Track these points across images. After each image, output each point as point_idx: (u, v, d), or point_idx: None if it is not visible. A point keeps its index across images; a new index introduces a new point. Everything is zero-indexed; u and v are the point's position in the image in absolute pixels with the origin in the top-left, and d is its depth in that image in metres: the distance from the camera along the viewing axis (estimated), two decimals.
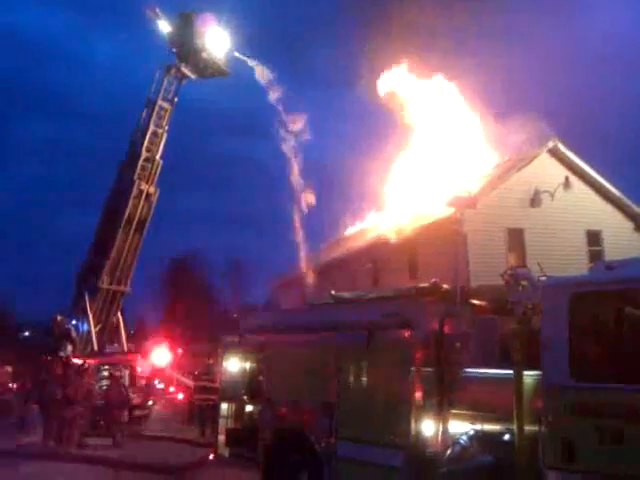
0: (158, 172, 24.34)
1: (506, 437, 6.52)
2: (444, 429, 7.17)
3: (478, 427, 6.86)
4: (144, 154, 23.58)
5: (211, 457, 11.12)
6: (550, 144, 21.78)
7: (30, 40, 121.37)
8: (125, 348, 24.21)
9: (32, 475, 13.20)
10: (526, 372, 6.37)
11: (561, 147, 21.83)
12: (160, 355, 24.03)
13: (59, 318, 22.47)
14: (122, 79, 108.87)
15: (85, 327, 22.70)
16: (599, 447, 5.62)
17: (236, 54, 24.51)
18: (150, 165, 23.93)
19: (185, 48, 23.70)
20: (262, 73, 23.78)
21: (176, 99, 24.35)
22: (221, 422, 10.75)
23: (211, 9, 24.33)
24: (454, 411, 7.16)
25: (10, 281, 77.78)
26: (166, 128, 24.31)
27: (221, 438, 10.64)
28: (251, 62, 24.70)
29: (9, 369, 23.81)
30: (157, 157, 24.16)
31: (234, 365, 10.90)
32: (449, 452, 6.93)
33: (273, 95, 23.33)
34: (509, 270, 7.73)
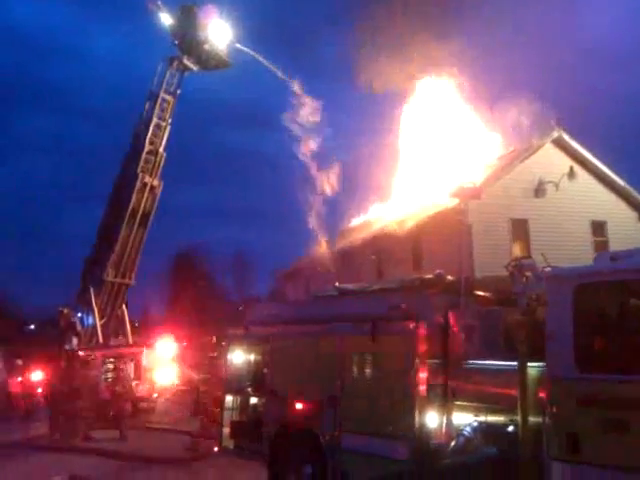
0: (162, 165, 24.31)
1: (510, 429, 6.52)
2: (448, 421, 7.17)
3: (482, 419, 6.86)
4: (147, 147, 23.55)
5: (216, 449, 11.15)
6: (554, 134, 21.69)
7: (31, 34, 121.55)
8: (130, 341, 24.26)
9: (38, 467, 13.28)
10: (530, 363, 6.35)
11: (565, 137, 21.73)
12: (165, 347, 24.08)
13: (65, 311, 22.53)
14: (124, 72, 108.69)
15: (90, 320, 22.74)
16: (603, 438, 5.60)
17: (238, 46, 24.44)
18: (153, 158, 23.90)
19: (187, 40, 23.62)
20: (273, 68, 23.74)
21: (179, 91, 24.30)
22: (226, 415, 10.76)
23: (213, 0, 24.26)
24: (458, 403, 7.16)
25: (14, 275, 78.02)
26: (169, 121, 24.27)
27: (226, 431, 10.66)
28: (253, 53, 24.63)
29: (19, 362, 23.79)
30: (160, 150, 24.13)
31: (238, 358, 10.91)
32: (453, 444, 6.93)
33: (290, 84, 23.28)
34: (513, 261, 7.70)
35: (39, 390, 21.34)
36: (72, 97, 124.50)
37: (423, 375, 7.35)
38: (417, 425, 7.23)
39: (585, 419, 5.74)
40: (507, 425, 6.57)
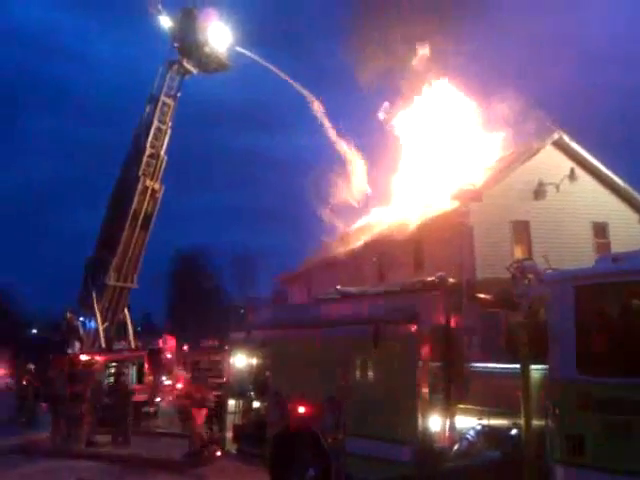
0: (163, 168, 24.33)
1: (513, 432, 6.52)
2: (451, 424, 7.17)
3: (485, 422, 6.85)
4: (148, 150, 23.56)
5: (218, 453, 11.14)
6: (555, 136, 21.68)
7: (33, 36, 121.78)
8: (132, 345, 24.25)
9: (40, 472, 13.27)
10: (533, 366, 6.35)
11: (566, 139, 21.72)
12: (167, 351, 24.08)
13: (69, 315, 22.54)
14: (126, 74, 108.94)
15: (92, 324, 22.72)
16: (607, 441, 5.59)
17: (238, 49, 24.49)
18: (155, 161, 23.91)
19: (187, 43, 23.66)
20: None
21: (179, 94, 24.33)
22: (228, 418, 10.76)
23: (213, 3, 24.29)
24: (461, 406, 7.16)
25: (16, 277, 78.10)
26: (170, 124, 24.29)
27: (228, 434, 10.66)
28: (253, 56, 24.69)
29: (32, 367, 23.62)
30: (161, 153, 24.14)
31: (241, 361, 10.91)
32: (456, 447, 6.93)
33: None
34: (515, 263, 7.69)
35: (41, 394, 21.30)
36: (74, 98, 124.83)
37: (425, 378, 7.35)
38: (420, 428, 7.23)
39: (588, 422, 5.72)
40: (510, 428, 6.56)
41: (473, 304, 7.89)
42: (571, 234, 20.59)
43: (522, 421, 6.31)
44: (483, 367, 7.16)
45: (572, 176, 21.24)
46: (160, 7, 23.63)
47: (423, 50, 23.59)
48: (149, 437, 17.64)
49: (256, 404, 10.36)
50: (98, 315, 22.58)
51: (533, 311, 6.78)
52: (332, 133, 24.13)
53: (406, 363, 7.55)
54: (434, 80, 24.19)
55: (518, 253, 19.13)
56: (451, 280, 8.35)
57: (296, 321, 9.93)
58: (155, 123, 23.64)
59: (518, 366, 6.40)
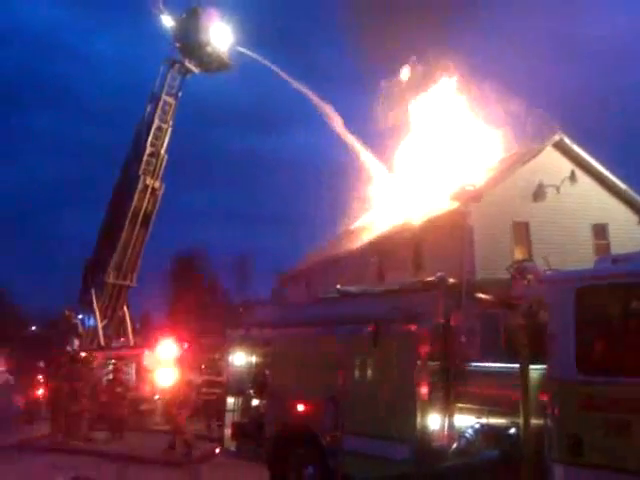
0: (163, 167, 24.38)
1: (512, 431, 6.53)
2: (450, 423, 7.18)
3: (484, 421, 6.87)
4: (149, 149, 23.61)
5: (217, 451, 11.16)
6: (556, 137, 21.72)
7: (33, 35, 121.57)
8: (131, 342, 24.28)
9: (40, 468, 13.30)
10: (532, 366, 6.36)
11: (567, 140, 21.76)
12: (167, 349, 24.05)
13: (67, 312, 22.57)
14: (128, 73, 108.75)
15: (92, 321, 22.78)
16: (605, 441, 5.61)
17: (240, 49, 24.54)
18: (155, 160, 23.97)
19: (189, 43, 23.69)
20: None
21: (180, 94, 24.39)
22: (227, 416, 10.78)
23: (214, 3, 24.33)
24: (460, 405, 7.17)
25: (15, 276, 78.08)
26: (170, 123, 24.35)
27: (227, 432, 10.68)
28: (254, 55, 24.75)
29: (42, 364, 23.60)
30: (162, 152, 24.20)
31: (240, 359, 10.92)
32: (455, 446, 6.94)
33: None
34: (515, 264, 7.72)
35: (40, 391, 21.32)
36: (74, 98, 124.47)
37: (425, 377, 7.36)
38: (419, 427, 7.24)
39: (587, 421, 5.74)
40: (509, 427, 6.58)
41: (473, 304, 7.91)
42: (571, 235, 20.62)
43: (521, 420, 6.33)
44: (482, 366, 7.17)
45: (572, 178, 21.29)
46: (162, 6, 23.68)
47: (424, 53, 23.66)
48: (147, 434, 17.64)
49: (255, 402, 10.37)
50: (97, 313, 22.64)
51: (533, 312, 6.80)
52: (334, 133, 24.20)
53: (405, 362, 7.57)
54: (436, 82, 24.25)
55: (518, 254, 19.16)
56: (451, 280, 8.37)
57: (295, 320, 9.95)
58: (156, 122, 23.70)
59: (517, 366, 6.42)
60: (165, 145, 24.29)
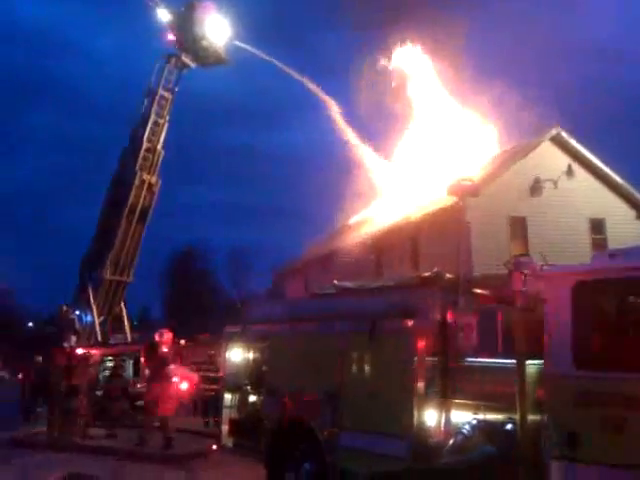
0: (160, 162, 24.29)
1: (509, 427, 6.51)
2: (447, 419, 7.17)
3: (481, 417, 6.86)
4: (145, 144, 23.51)
5: (214, 447, 11.15)
6: (553, 132, 21.72)
7: (32, 31, 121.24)
8: (129, 339, 24.24)
9: (36, 465, 13.27)
10: (529, 361, 6.35)
11: (564, 135, 21.75)
12: (163, 345, 24.02)
13: (64, 308, 22.52)
14: (125, 69, 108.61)
15: (89, 318, 22.72)
16: (602, 436, 5.60)
17: (236, 42, 24.44)
18: (152, 155, 23.87)
19: (185, 37, 23.57)
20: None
21: (177, 88, 24.27)
22: (224, 412, 10.76)
23: None
24: (457, 401, 7.16)
25: (13, 273, 77.93)
26: (167, 118, 24.23)
27: (224, 428, 10.67)
28: (251, 49, 24.67)
29: (39, 359, 23.60)
30: (158, 147, 24.09)
31: (237, 355, 10.90)
32: (452, 442, 6.93)
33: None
34: (512, 259, 7.69)
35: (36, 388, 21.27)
36: (72, 94, 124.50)
37: (422, 373, 7.35)
38: (416, 423, 7.22)
39: (583, 417, 5.74)
40: (506, 423, 6.56)
41: (470, 299, 7.89)
42: (568, 230, 20.64)
43: (518, 416, 6.31)
44: (479, 362, 7.16)
45: (569, 172, 21.29)
46: (158, 0, 23.54)
47: (418, 44, 23.61)
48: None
49: (252, 398, 10.36)
50: (94, 309, 22.59)
51: (529, 307, 6.78)
52: (331, 127, 24.16)
53: (402, 358, 7.54)
54: (432, 75, 24.20)
55: (515, 249, 19.14)
56: (448, 275, 8.35)
57: (293, 315, 9.92)
58: (153, 117, 23.59)
59: (514, 361, 6.41)
60: (162, 140, 24.20)
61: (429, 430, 7.22)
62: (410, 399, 7.31)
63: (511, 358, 6.47)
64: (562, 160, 21.55)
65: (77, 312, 22.56)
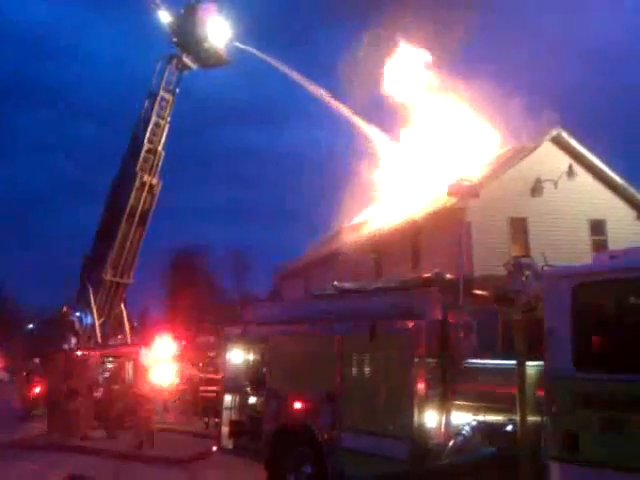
0: (160, 163, 24.27)
1: (509, 428, 6.52)
2: (447, 420, 7.16)
3: (481, 418, 6.85)
4: (146, 146, 23.49)
5: (215, 449, 11.13)
6: (553, 132, 21.67)
7: (29, 33, 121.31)
8: (129, 340, 24.21)
9: (37, 467, 13.26)
10: (529, 362, 6.34)
11: (565, 135, 21.70)
12: (164, 347, 24.00)
13: (64, 309, 22.49)
14: (125, 70, 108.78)
15: (89, 319, 22.69)
16: (602, 437, 5.59)
17: (237, 44, 24.44)
18: (152, 156, 23.84)
19: (186, 38, 23.57)
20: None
21: (178, 90, 24.26)
22: (225, 414, 10.75)
23: None
24: (457, 402, 7.15)
25: (13, 274, 78.07)
26: (168, 119, 24.21)
27: (225, 430, 10.65)
28: (252, 50, 24.67)
29: (37, 361, 23.57)
30: (159, 148, 24.07)
31: (237, 357, 10.89)
32: (452, 443, 6.92)
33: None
34: (512, 260, 7.68)
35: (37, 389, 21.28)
36: (71, 95, 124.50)
37: (422, 374, 7.33)
38: (416, 424, 7.21)
39: (583, 418, 5.72)
40: (506, 424, 6.56)
41: (470, 300, 7.89)
42: (568, 231, 20.60)
43: (518, 417, 6.30)
44: (479, 363, 7.14)
45: (570, 173, 21.21)
46: (158, 1, 23.54)
47: (421, 46, 23.59)
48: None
49: (252, 400, 10.34)
50: (94, 310, 22.55)
51: (530, 308, 6.77)
52: (332, 128, 24.15)
53: (403, 359, 7.53)
54: (433, 75, 24.18)
55: (515, 250, 19.14)
56: (448, 276, 8.35)
57: (293, 317, 9.91)
58: (153, 118, 23.57)
59: (514, 362, 6.39)
60: (163, 142, 24.18)
61: (429, 431, 7.21)
62: (410, 400, 7.30)
63: (511, 359, 6.45)
64: (563, 161, 21.50)
65: (77, 313, 22.54)
